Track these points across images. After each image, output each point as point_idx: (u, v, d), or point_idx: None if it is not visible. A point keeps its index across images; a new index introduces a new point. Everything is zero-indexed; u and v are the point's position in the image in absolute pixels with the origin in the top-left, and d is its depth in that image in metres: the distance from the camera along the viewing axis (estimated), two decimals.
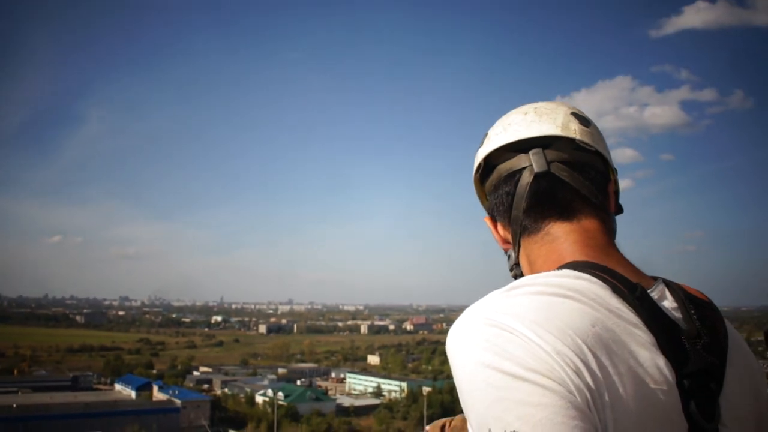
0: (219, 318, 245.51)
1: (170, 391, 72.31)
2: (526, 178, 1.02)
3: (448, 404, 71.83)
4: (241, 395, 77.26)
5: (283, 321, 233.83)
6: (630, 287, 0.84)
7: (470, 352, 0.77)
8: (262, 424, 65.38)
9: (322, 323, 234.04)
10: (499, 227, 1.08)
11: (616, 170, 1.09)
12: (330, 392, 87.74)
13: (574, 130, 1.05)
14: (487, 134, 1.13)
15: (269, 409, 67.09)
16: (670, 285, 0.91)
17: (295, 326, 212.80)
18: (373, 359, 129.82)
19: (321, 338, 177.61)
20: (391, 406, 74.64)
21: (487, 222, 1.11)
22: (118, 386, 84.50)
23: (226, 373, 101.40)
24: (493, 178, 1.07)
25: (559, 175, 1.01)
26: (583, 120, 1.07)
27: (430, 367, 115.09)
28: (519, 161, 1.04)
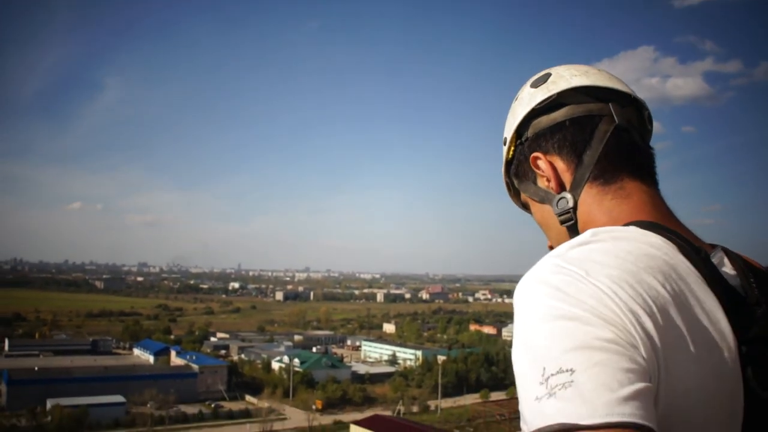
0: (236, 285, 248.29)
1: (188, 357, 73.02)
2: (605, 127, 1.01)
3: (462, 373, 71.90)
4: (258, 361, 77.83)
5: (300, 288, 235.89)
6: (694, 250, 0.84)
7: (539, 298, 0.76)
8: (278, 390, 66.16)
9: (339, 291, 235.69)
10: (545, 163, 1.04)
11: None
12: (345, 359, 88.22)
13: (644, 103, 1.08)
14: (548, 73, 1.10)
15: (285, 375, 67.79)
16: (728, 253, 0.90)
17: (311, 293, 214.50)
18: (389, 327, 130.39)
19: (337, 306, 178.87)
20: (405, 374, 74.89)
21: (540, 158, 1.05)
22: (136, 351, 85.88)
23: (243, 340, 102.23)
24: (559, 114, 1.04)
25: (634, 137, 1.03)
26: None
27: (445, 336, 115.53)
28: (599, 108, 1.03)
